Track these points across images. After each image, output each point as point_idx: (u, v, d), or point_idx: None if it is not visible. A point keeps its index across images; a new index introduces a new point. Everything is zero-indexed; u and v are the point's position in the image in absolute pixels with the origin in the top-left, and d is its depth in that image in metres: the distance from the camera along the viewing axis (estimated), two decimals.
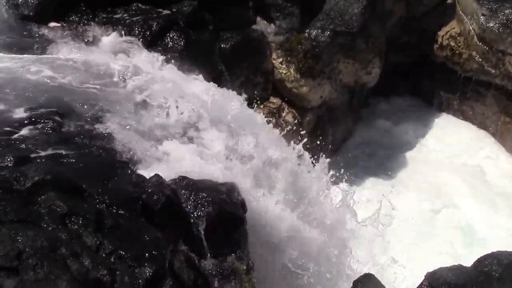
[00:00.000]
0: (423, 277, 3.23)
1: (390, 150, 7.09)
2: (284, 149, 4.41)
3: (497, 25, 6.60)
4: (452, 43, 7.34)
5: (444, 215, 6.04)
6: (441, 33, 7.48)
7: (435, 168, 6.70)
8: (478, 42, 6.91)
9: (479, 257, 3.30)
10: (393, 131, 7.42)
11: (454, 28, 7.38)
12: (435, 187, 6.37)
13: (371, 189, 6.36)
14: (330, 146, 6.53)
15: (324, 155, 4.82)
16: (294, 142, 4.60)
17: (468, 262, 3.35)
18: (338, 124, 6.79)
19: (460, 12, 7.24)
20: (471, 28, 7.00)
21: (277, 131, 4.70)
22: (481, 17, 6.73)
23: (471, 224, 5.85)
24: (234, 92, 4.62)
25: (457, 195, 6.21)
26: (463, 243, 5.62)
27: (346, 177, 5.20)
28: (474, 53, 7.02)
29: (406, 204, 6.03)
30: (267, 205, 3.81)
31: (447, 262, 3.43)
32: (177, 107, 3.90)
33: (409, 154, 7.04)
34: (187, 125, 3.88)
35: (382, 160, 6.89)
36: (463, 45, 7.21)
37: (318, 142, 5.63)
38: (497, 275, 3.11)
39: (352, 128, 7.31)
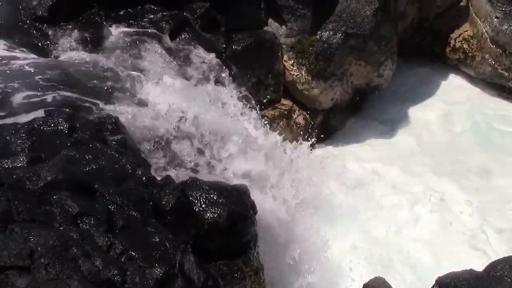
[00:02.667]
0: (434, 281, 3.21)
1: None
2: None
3: (511, 28, 6.55)
4: (465, 46, 7.29)
5: None
6: (454, 35, 7.43)
7: None
8: (491, 45, 6.87)
9: (491, 261, 3.28)
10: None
11: (467, 30, 7.33)
12: None
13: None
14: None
15: None
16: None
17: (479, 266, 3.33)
18: (342, 117, 6.81)
19: (474, 14, 7.19)
20: (484, 30, 6.95)
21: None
22: (495, 19, 6.68)
23: None
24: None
25: None
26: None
27: None
28: (487, 56, 6.98)
29: None
30: None
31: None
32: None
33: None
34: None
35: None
36: (476, 48, 7.17)
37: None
38: (509, 280, 3.08)
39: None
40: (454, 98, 7.13)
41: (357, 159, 6.12)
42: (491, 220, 5.23)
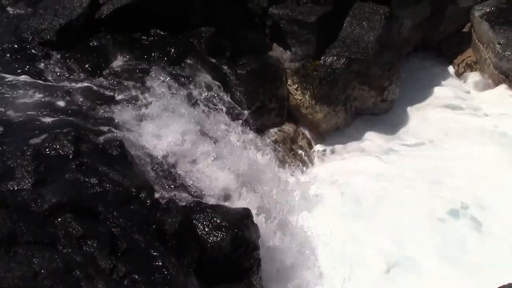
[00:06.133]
0: None
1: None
2: None
3: None
4: (468, 71, 7.34)
5: None
6: (457, 61, 7.49)
7: None
8: (494, 71, 6.91)
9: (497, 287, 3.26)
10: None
11: (470, 56, 7.39)
12: None
13: None
14: None
15: None
16: None
17: None
18: None
19: (476, 40, 7.26)
20: (487, 56, 7.00)
21: None
22: (497, 45, 6.73)
23: None
24: None
25: None
26: None
27: None
28: (490, 81, 7.01)
29: None
30: None
31: None
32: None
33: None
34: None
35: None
36: (479, 74, 7.21)
37: None
38: None
39: None
40: None
41: None
42: None
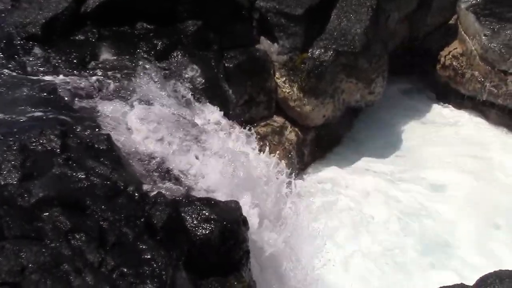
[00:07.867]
0: None
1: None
2: None
3: (499, 45, 6.66)
4: (455, 63, 7.39)
5: None
6: (443, 53, 7.54)
7: None
8: (480, 62, 6.96)
9: (481, 275, 3.30)
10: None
11: (456, 48, 7.45)
12: None
13: None
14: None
15: None
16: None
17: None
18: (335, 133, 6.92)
19: (462, 32, 7.31)
20: (473, 48, 7.05)
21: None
22: (483, 37, 6.79)
23: None
24: None
25: None
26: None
27: None
28: (476, 73, 7.07)
29: None
30: None
31: None
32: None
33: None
34: None
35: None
36: (465, 65, 7.26)
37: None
38: None
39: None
40: None
41: None
42: None
